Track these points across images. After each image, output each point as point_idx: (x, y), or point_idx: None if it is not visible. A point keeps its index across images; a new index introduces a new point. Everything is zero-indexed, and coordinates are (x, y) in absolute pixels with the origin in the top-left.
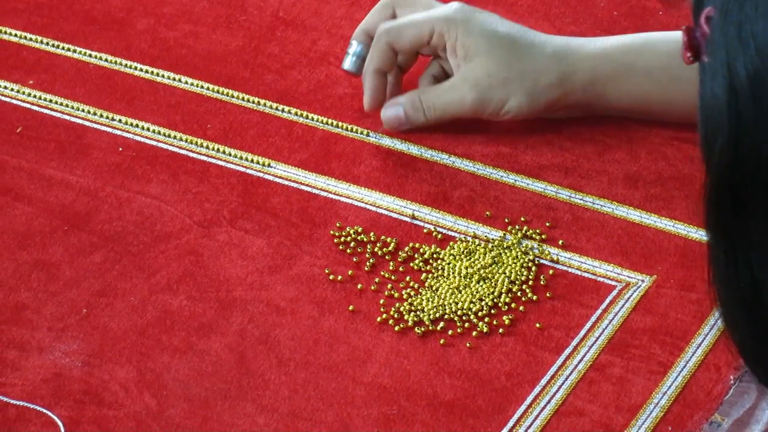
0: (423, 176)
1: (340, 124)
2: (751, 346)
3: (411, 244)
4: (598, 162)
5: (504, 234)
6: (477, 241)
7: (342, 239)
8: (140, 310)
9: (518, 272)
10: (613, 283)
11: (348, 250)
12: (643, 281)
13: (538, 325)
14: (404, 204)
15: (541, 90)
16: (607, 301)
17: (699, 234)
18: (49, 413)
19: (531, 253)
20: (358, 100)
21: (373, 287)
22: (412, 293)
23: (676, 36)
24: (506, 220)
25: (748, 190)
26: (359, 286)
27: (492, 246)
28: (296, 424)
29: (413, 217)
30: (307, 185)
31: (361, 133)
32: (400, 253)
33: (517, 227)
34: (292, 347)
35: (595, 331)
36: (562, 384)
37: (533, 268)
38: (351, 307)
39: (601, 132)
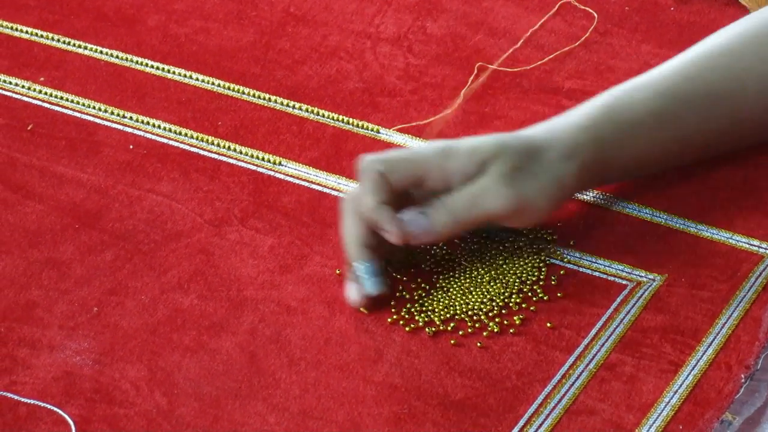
0: None
1: (351, 120)
2: None
3: (423, 246)
4: None
5: (515, 236)
6: (488, 242)
7: None
8: (151, 309)
9: (529, 272)
10: (624, 282)
11: None
12: (653, 280)
13: (549, 324)
14: None
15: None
16: (618, 300)
17: (710, 232)
18: (60, 412)
19: (542, 253)
20: (369, 94)
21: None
22: (423, 294)
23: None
24: None
25: None
26: None
27: (502, 247)
28: (307, 424)
29: None
30: (318, 184)
31: (372, 130)
32: (412, 254)
33: (527, 228)
34: (303, 347)
35: (606, 330)
36: (573, 383)
37: (544, 269)
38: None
39: None
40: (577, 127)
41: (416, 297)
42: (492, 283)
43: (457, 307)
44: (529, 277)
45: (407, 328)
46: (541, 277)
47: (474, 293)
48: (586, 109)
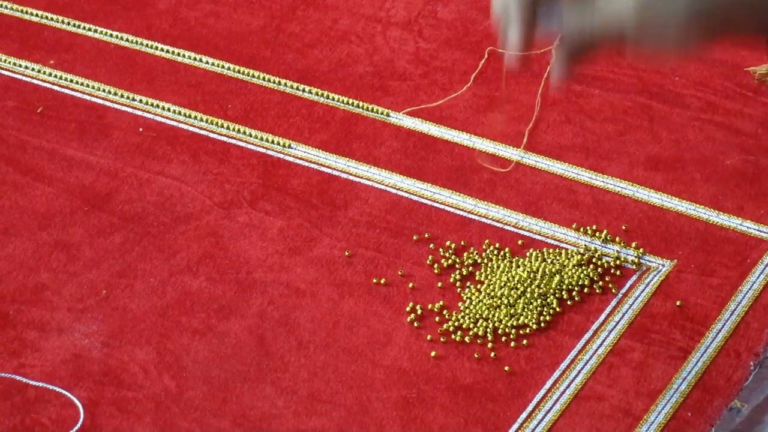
0: (443, 159)
1: (360, 104)
2: None
3: (452, 258)
4: (618, 142)
5: (542, 253)
6: (517, 260)
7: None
8: (160, 292)
9: (555, 288)
10: (634, 267)
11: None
12: (663, 266)
13: (558, 309)
14: (424, 187)
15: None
16: (627, 285)
17: (720, 218)
18: (69, 394)
19: (571, 272)
20: (379, 78)
21: (400, 272)
22: (444, 303)
23: None
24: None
25: None
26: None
27: (529, 263)
28: (315, 407)
29: None
30: (327, 167)
31: (382, 113)
32: (442, 261)
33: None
34: (312, 329)
35: (615, 315)
36: (582, 368)
37: (572, 289)
38: (372, 286)
39: (623, 111)
40: None
41: (437, 308)
42: (518, 299)
43: (480, 326)
44: (555, 293)
45: (416, 324)
46: (564, 296)
47: (498, 311)
48: None
